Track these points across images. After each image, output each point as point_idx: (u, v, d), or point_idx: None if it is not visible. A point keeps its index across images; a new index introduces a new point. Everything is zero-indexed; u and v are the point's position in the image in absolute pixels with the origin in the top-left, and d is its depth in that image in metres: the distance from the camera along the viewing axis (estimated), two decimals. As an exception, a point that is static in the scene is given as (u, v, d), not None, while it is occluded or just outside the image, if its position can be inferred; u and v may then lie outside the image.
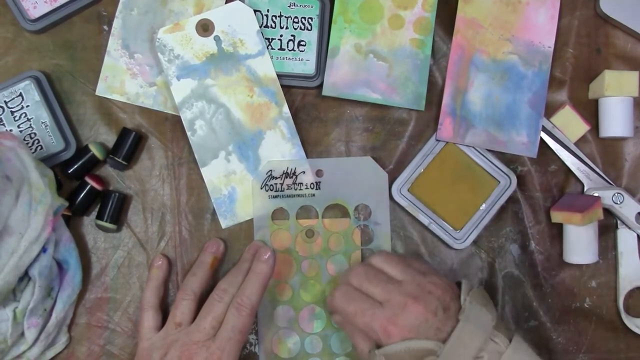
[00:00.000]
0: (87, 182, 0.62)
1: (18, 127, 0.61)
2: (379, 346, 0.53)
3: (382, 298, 0.54)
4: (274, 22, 0.64)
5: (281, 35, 0.64)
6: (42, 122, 0.61)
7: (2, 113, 0.61)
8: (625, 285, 0.65)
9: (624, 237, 0.65)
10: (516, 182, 0.64)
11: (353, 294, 0.56)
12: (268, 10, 0.64)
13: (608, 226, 0.66)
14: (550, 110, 0.66)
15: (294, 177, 0.64)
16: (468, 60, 0.65)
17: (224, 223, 0.64)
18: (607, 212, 0.65)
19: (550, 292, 0.65)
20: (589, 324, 0.66)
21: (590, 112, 0.67)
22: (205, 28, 0.63)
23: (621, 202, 0.64)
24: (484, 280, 0.65)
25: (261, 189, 0.64)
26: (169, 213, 0.64)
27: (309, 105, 0.66)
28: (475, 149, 0.65)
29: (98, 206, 0.63)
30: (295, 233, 0.64)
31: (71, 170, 0.62)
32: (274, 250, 0.60)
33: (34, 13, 0.62)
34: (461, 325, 0.52)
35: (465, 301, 0.53)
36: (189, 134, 0.63)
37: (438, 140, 0.65)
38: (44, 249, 0.56)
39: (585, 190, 0.65)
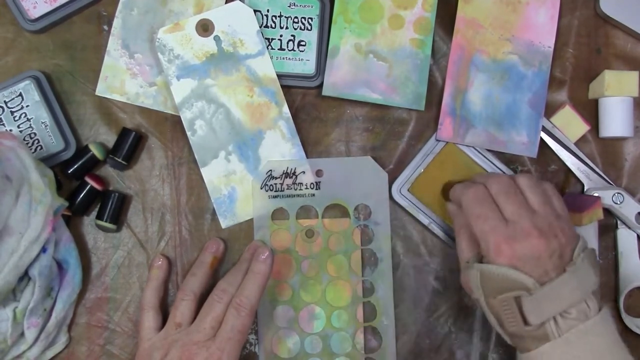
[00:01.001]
0: (87, 182, 0.62)
1: (18, 127, 0.61)
2: (480, 259, 0.54)
3: (510, 217, 0.53)
4: (274, 22, 0.64)
5: (281, 35, 0.64)
6: (42, 122, 0.61)
7: (2, 113, 0.61)
8: (625, 285, 0.65)
9: (624, 237, 0.65)
10: (516, 182, 0.64)
11: (486, 199, 0.55)
12: (268, 10, 0.64)
13: (608, 226, 0.66)
14: (550, 110, 0.66)
15: (294, 177, 0.64)
16: (468, 60, 0.65)
17: (224, 223, 0.64)
18: (607, 212, 0.65)
19: (551, 292, 0.65)
20: (589, 324, 0.65)
21: (590, 112, 0.67)
22: (205, 28, 0.63)
23: (621, 202, 0.64)
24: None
25: (261, 189, 0.64)
26: (169, 213, 0.64)
27: (309, 105, 0.66)
28: (475, 149, 0.65)
29: (98, 206, 0.63)
30: (295, 233, 0.64)
31: (71, 170, 0.62)
32: (273, 250, 0.60)
33: (34, 13, 0.62)
34: (566, 277, 0.51)
35: (579, 257, 0.53)
36: (189, 134, 0.63)
37: (438, 140, 0.65)
38: (44, 249, 0.56)
39: (585, 190, 0.65)
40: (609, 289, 0.66)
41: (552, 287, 0.51)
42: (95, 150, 0.62)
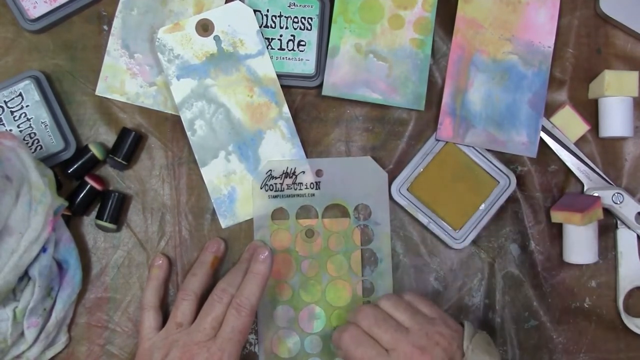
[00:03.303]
0: (87, 182, 0.62)
1: (18, 127, 0.61)
2: None
3: (389, 346, 0.54)
4: (273, 22, 0.64)
5: (281, 35, 0.64)
6: (42, 122, 0.61)
7: (2, 113, 0.61)
8: (625, 285, 0.65)
9: (624, 237, 0.65)
10: (516, 182, 0.64)
11: (361, 337, 0.55)
12: (268, 10, 0.64)
13: (608, 226, 0.66)
14: (550, 110, 0.66)
15: (294, 177, 0.64)
16: (468, 60, 0.65)
17: (224, 223, 0.64)
18: (607, 212, 0.65)
19: (550, 292, 0.65)
20: (589, 324, 0.66)
21: (590, 112, 0.67)
22: (205, 28, 0.63)
23: (621, 202, 0.64)
24: (483, 280, 0.65)
25: (261, 188, 0.64)
26: (169, 213, 0.64)
27: (309, 105, 0.66)
28: (475, 149, 0.65)
29: (98, 206, 0.63)
30: (295, 233, 0.64)
31: (71, 170, 0.62)
32: (272, 250, 0.60)
33: (34, 13, 0.62)
34: None
35: (468, 349, 0.53)
36: (189, 134, 0.63)
37: (438, 140, 0.65)
38: (44, 249, 0.56)
39: (585, 190, 0.65)
40: (609, 289, 0.66)
41: None
42: (95, 150, 0.62)
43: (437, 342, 0.53)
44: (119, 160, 0.62)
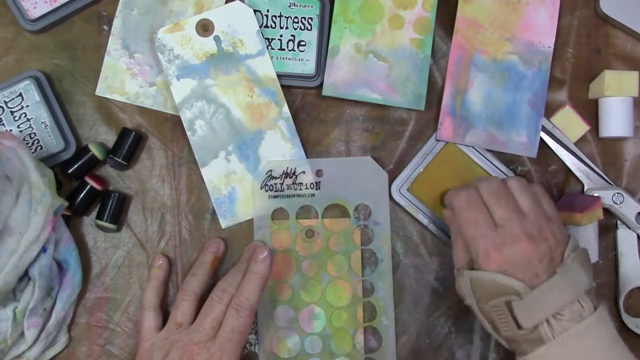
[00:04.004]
0: (87, 182, 0.62)
1: (18, 127, 0.61)
2: (471, 266, 0.54)
3: (500, 222, 0.54)
4: (274, 22, 0.64)
5: (281, 35, 0.64)
6: (42, 122, 0.61)
7: (2, 113, 0.61)
8: (625, 285, 0.65)
9: (624, 237, 0.65)
10: (516, 182, 0.64)
11: (477, 202, 0.55)
12: (268, 10, 0.64)
13: (608, 226, 0.66)
14: (550, 110, 0.66)
15: (294, 177, 0.64)
16: (468, 60, 0.65)
17: (224, 223, 0.64)
18: (607, 212, 0.65)
19: (550, 292, 0.65)
20: (589, 324, 0.65)
21: (590, 112, 0.67)
22: (205, 28, 0.63)
23: (621, 202, 0.64)
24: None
25: (261, 189, 0.64)
26: (169, 213, 0.64)
27: (309, 105, 0.66)
28: (475, 149, 0.65)
29: (98, 206, 0.63)
30: (295, 233, 0.64)
31: (71, 170, 0.62)
32: (272, 250, 0.60)
33: (34, 13, 0.62)
34: (556, 279, 0.52)
35: (569, 257, 0.53)
36: (189, 134, 0.63)
37: (438, 140, 0.65)
38: (44, 249, 0.56)
39: (585, 190, 0.65)
40: (609, 289, 0.66)
41: (542, 289, 0.51)
42: (95, 150, 0.62)
43: (545, 238, 0.53)
44: (119, 160, 0.62)
